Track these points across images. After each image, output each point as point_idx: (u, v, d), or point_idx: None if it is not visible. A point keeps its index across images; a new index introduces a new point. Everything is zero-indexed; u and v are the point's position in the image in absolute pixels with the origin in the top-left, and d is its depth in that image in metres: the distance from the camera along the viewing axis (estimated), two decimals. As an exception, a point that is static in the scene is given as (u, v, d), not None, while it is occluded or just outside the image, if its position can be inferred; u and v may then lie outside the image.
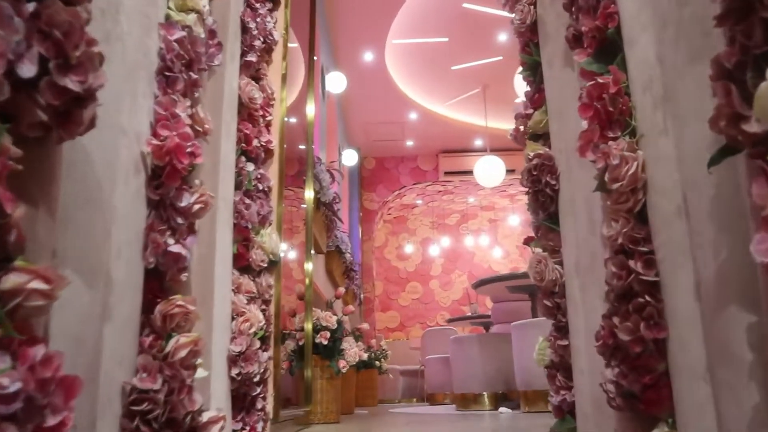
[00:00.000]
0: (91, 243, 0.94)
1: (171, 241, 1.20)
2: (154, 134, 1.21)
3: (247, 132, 1.99)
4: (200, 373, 1.22)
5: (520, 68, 2.12)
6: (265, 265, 2.01)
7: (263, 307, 2.02)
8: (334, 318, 3.23)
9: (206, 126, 1.44)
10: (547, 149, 1.91)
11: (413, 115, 7.85)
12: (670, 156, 1.12)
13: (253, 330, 1.88)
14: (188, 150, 1.25)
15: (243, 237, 1.94)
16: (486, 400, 4.24)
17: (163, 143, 1.19)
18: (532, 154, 1.93)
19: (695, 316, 1.03)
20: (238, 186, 1.92)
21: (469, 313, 6.87)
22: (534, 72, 2.05)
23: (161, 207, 1.22)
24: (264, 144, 2.11)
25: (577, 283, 1.72)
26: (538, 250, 2.04)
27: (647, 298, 1.14)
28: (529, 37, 2.06)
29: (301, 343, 3.03)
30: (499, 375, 4.36)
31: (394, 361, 9.90)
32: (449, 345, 4.87)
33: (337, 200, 3.95)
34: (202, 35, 1.38)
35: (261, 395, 1.84)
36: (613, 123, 1.28)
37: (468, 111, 7.90)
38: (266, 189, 2.09)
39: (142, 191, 1.17)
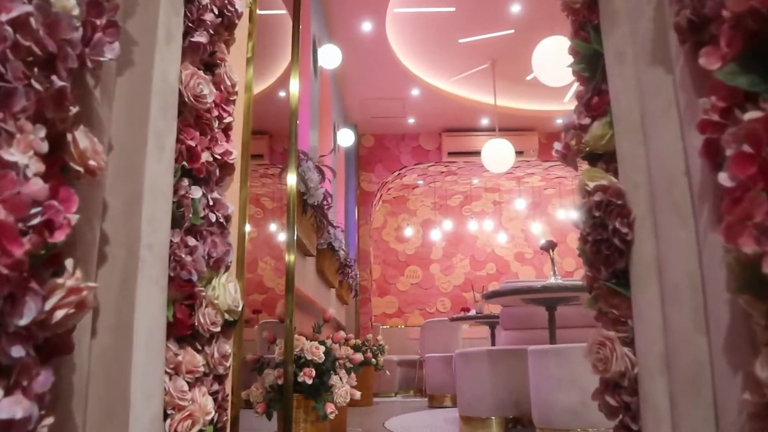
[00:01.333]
0: None
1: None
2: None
3: (192, 143, 1.42)
4: None
5: (572, 59, 1.54)
6: (218, 328, 1.46)
7: (215, 387, 1.47)
8: (322, 349, 2.69)
9: (92, 162, 0.87)
10: (615, 180, 1.35)
11: (415, 91, 7.24)
12: None
13: (197, 429, 1.34)
14: (29, 225, 0.69)
15: (184, 294, 1.38)
16: (495, 426, 3.74)
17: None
18: (591, 185, 1.37)
19: None
20: (176, 222, 1.37)
21: (474, 311, 6.36)
22: (592, 66, 1.48)
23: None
24: (219, 157, 1.54)
25: (662, 385, 1.17)
26: (596, 310, 1.49)
27: None
28: (586, 17, 1.48)
29: (280, 382, 2.50)
30: (510, 398, 3.85)
31: (392, 350, 9.43)
32: (454, 361, 4.36)
33: (329, 200, 3.39)
34: (75, 11, 0.80)
35: None
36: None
37: (475, 88, 7.29)
38: (222, 219, 1.53)
39: None
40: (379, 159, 8.30)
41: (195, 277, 1.39)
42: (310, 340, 2.83)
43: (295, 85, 2.66)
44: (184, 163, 1.39)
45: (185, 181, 1.40)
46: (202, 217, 1.46)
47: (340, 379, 2.86)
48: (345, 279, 5.51)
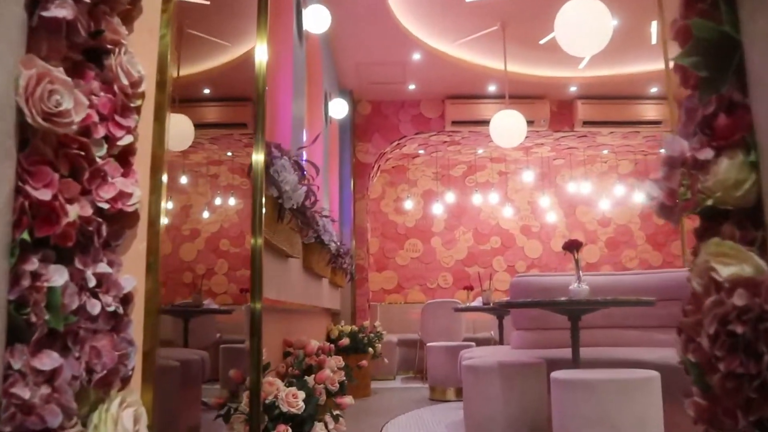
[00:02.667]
0: None
1: None
2: None
3: (44, 194, 0.84)
4: None
5: (678, 52, 0.94)
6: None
7: None
8: (301, 396, 2.15)
9: None
10: (763, 263, 0.78)
11: (416, 56, 6.57)
12: None
13: None
14: None
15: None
16: (508, 454, 3.25)
17: None
18: (725, 272, 0.80)
19: None
20: (19, 332, 0.80)
21: (480, 300, 5.83)
22: (716, 60, 0.88)
23: None
24: (108, 205, 0.96)
25: None
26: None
27: None
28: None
29: (246, 443, 1.96)
30: (526, 418, 3.34)
31: (390, 329, 8.97)
32: (462, 373, 3.83)
33: (312, 198, 2.81)
34: None
35: None
36: None
37: (482, 52, 6.61)
38: (116, 306, 0.96)
39: None
40: (377, 128, 7.67)
41: (56, 422, 0.83)
42: (288, 380, 2.29)
43: (261, 54, 2.01)
44: (26, 232, 0.81)
45: (33, 261, 0.83)
46: (75, 310, 0.89)
47: (325, 426, 2.33)
48: (338, 267, 4.96)
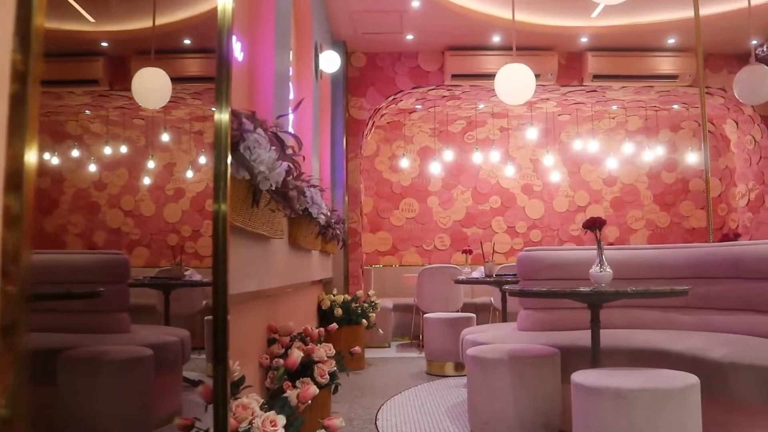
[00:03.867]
0: None
1: None
2: None
3: None
4: None
5: None
6: None
7: None
8: (281, 423, 1.75)
9: None
10: None
11: (415, 3, 6.00)
12: None
13: None
14: None
15: None
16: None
17: None
18: None
19: None
20: None
21: (482, 270, 5.44)
22: None
23: None
24: None
25: None
26: None
27: None
28: None
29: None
30: (538, 416, 2.98)
31: (385, 293, 8.63)
32: (466, 364, 3.45)
33: (295, 171, 2.37)
34: None
35: None
36: None
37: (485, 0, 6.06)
38: None
39: None
40: (372, 82, 7.14)
41: None
42: (267, 399, 1.88)
43: None
44: None
45: None
46: None
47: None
48: (329, 237, 4.54)
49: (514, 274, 5.30)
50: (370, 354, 6.61)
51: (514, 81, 5.26)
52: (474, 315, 5.83)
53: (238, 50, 2.79)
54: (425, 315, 5.88)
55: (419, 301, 7.27)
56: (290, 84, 3.99)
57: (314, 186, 3.61)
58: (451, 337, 5.66)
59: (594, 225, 2.98)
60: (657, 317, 3.77)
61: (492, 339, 3.77)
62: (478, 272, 5.50)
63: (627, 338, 3.39)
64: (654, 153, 8.59)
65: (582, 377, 2.46)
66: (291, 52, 4.17)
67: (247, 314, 2.60)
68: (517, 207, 9.23)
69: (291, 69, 4.26)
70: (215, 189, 1.44)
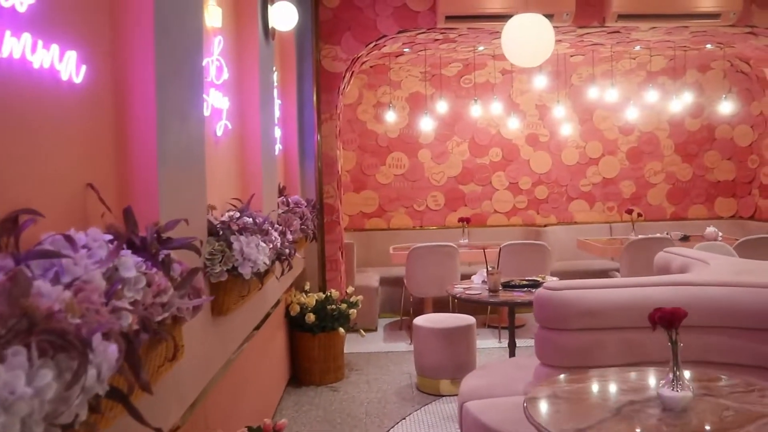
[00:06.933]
0: None
1: None
2: None
3: None
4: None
5: None
6: None
7: None
8: None
9: None
10: None
11: (399, -73, 4.66)
12: None
13: None
14: None
15: None
16: None
17: None
18: None
19: None
20: None
21: (482, 280, 4.38)
22: None
23: None
24: None
25: None
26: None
27: None
28: None
29: None
30: None
31: (370, 262, 7.64)
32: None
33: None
34: None
35: None
36: None
37: None
38: None
39: None
40: (348, 26, 5.84)
41: None
42: None
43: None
44: None
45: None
46: None
47: None
48: (287, 255, 3.45)
49: (529, 284, 4.27)
50: (352, 346, 5.68)
51: (528, 37, 4.05)
52: (473, 321, 4.84)
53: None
54: (415, 323, 4.87)
55: (409, 284, 6.29)
56: (202, 78, 2.83)
57: (248, 229, 2.50)
58: (446, 351, 4.70)
59: (668, 322, 1.91)
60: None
61: (506, 407, 2.81)
62: (478, 277, 4.45)
63: None
64: (678, 97, 7.37)
65: None
66: (216, 11, 2.94)
67: None
68: (520, 160, 8.09)
69: (217, 43, 3.05)
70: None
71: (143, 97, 1.85)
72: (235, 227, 2.49)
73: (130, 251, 1.49)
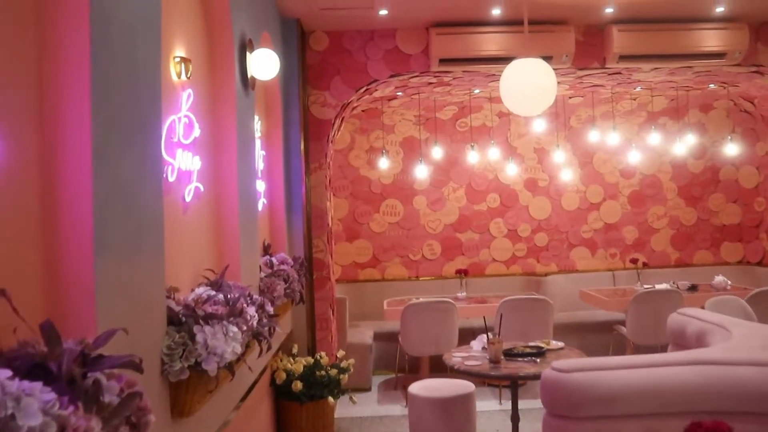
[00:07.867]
0: None
1: None
2: None
3: None
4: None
5: None
6: None
7: None
8: None
9: None
10: None
11: (389, -31, 4.42)
12: None
13: None
14: None
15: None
16: None
17: None
18: None
19: None
20: None
21: (482, 347, 4.00)
22: None
23: None
24: None
25: None
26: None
27: None
28: None
29: None
30: None
31: (364, 315, 7.25)
32: None
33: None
34: None
35: None
36: None
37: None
38: None
39: None
40: (337, 70, 5.57)
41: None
42: None
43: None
44: None
45: None
46: None
47: None
48: (266, 335, 3.08)
49: (533, 353, 3.90)
50: (343, 411, 5.27)
51: (528, 83, 3.77)
52: (472, 387, 4.44)
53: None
54: (410, 390, 4.48)
55: (404, 342, 5.90)
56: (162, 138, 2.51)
57: (216, 315, 2.15)
58: (443, 422, 4.30)
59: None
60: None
61: None
62: (478, 343, 4.08)
63: None
64: (680, 138, 7.11)
65: None
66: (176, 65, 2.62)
67: None
68: (519, 206, 7.78)
69: (186, 97, 2.74)
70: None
71: (77, 174, 1.51)
72: (200, 312, 2.13)
73: (41, 383, 1.14)
